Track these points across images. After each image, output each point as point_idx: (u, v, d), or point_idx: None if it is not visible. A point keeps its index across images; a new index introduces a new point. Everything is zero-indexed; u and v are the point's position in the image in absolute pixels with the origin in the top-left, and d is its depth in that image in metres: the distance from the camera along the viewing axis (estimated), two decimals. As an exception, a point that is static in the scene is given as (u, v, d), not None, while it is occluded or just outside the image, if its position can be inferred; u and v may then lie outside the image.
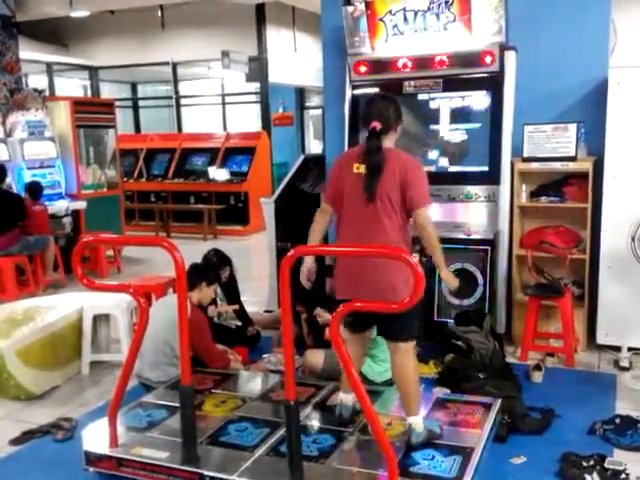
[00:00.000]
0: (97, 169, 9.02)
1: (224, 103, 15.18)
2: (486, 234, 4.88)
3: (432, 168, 5.03)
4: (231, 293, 5.24)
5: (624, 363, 4.50)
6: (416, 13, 4.98)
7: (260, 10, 13.00)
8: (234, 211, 11.45)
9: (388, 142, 3.12)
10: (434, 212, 4.98)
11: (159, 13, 13.38)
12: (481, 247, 4.84)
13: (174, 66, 14.45)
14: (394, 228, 3.05)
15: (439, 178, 4.95)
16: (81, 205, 8.35)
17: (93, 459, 3.06)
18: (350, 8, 5.14)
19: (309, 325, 4.77)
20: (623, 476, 3.00)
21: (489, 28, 4.78)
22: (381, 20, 5.10)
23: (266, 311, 5.89)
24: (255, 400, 3.64)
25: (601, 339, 4.74)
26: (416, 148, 5.06)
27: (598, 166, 4.69)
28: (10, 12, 9.74)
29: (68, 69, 15.08)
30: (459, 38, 4.89)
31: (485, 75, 4.89)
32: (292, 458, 2.65)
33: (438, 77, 5.03)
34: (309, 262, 3.28)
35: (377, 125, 3.04)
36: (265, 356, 4.73)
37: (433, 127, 5.14)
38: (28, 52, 11.76)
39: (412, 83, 5.12)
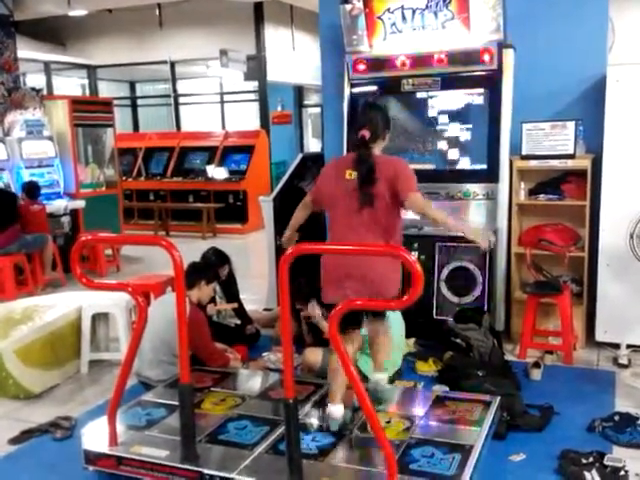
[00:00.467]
0: (95, 168, 9.00)
1: (222, 102, 15.18)
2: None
3: (430, 166, 5.04)
4: (230, 291, 5.24)
5: (623, 360, 4.50)
6: (414, 11, 4.97)
7: (258, 8, 13.00)
8: (233, 210, 11.44)
9: (377, 149, 3.25)
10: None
11: (157, 12, 13.37)
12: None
13: (172, 65, 14.44)
14: (388, 231, 3.18)
15: (437, 176, 4.96)
16: (80, 204, 8.34)
17: (92, 458, 3.05)
18: (348, 6, 5.14)
19: (308, 323, 4.77)
20: (622, 473, 3.00)
21: (487, 26, 4.78)
22: (379, 18, 5.09)
23: (265, 309, 5.90)
24: (254, 398, 3.64)
25: (600, 336, 4.74)
26: (414, 146, 5.06)
27: (596, 164, 4.69)
28: (8, 11, 9.74)
29: (66, 68, 15.07)
30: (457, 36, 4.89)
31: (483, 73, 4.89)
32: (291, 456, 2.64)
33: (436, 75, 5.04)
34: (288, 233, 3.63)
35: (365, 134, 3.17)
36: (264, 354, 4.73)
37: (431, 125, 5.13)
38: (26, 51, 11.75)
39: (410, 81, 5.13)
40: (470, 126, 5.00)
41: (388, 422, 3.20)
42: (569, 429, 3.55)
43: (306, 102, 17.04)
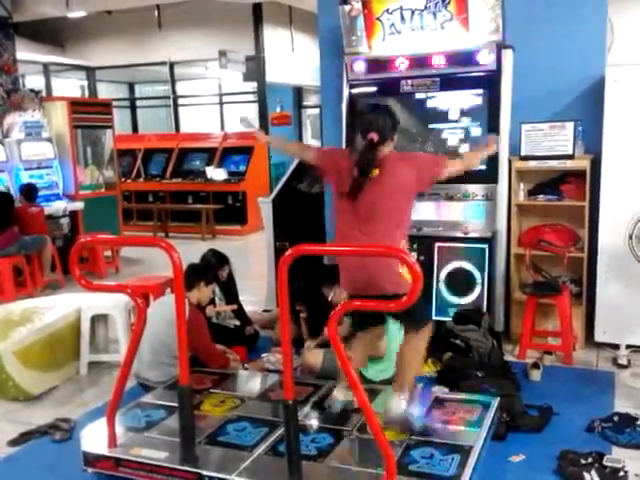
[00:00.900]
0: (95, 169, 9.00)
1: (221, 103, 15.18)
2: (484, 233, 4.87)
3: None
4: (229, 293, 5.24)
5: (622, 361, 4.50)
6: (413, 12, 4.97)
7: (257, 9, 12.99)
8: (232, 211, 11.43)
9: (386, 150, 3.25)
10: (431, 211, 5.02)
11: (156, 13, 13.37)
12: (479, 245, 4.84)
13: (171, 66, 14.44)
14: (399, 228, 3.20)
15: (437, 177, 4.96)
16: (79, 206, 8.34)
17: (92, 460, 3.05)
18: (347, 7, 5.14)
19: (308, 325, 4.77)
20: (622, 473, 3.00)
21: (486, 27, 4.78)
22: (378, 19, 5.09)
23: (264, 310, 5.89)
24: (254, 400, 3.64)
25: (599, 337, 4.74)
26: (413, 147, 5.06)
27: (596, 164, 4.69)
28: (7, 13, 9.75)
29: (65, 69, 15.07)
30: (456, 37, 4.89)
31: (482, 74, 4.89)
32: (291, 457, 2.65)
33: (435, 76, 5.04)
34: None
35: (375, 137, 3.16)
36: (264, 356, 4.72)
37: (430, 126, 5.14)
38: (25, 53, 11.74)
39: (409, 82, 5.13)
40: (469, 127, 5.00)
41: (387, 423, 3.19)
42: (568, 430, 3.55)
43: (305, 103, 17.04)
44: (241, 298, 5.39)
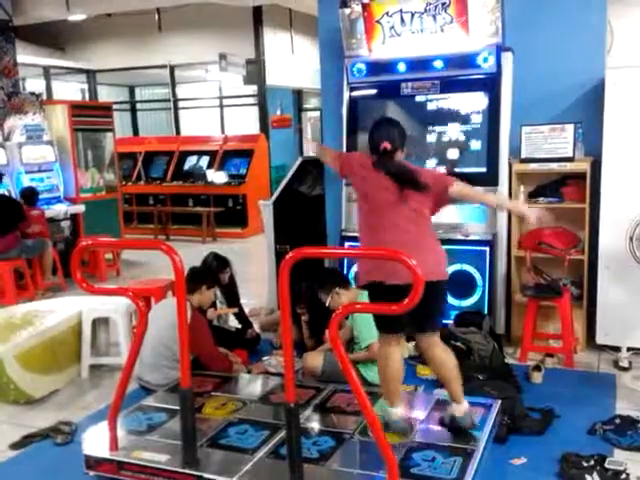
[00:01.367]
0: (95, 172, 9.01)
1: (222, 106, 15.17)
2: (485, 235, 4.88)
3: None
4: (231, 296, 5.24)
5: (624, 363, 4.50)
6: (413, 15, 4.98)
7: (257, 12, 13.00)
8: (233, 214, 11.45)
9: (397, 159, 3.30)
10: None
11: (156, 16, 13.39)
12: (480, 248, 4.85)
13: (172, 69, 14.45)
14: (427, 231, 3.35)
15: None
16: (80, 209, 8.35)
17: (93, 463, 3.05)
18: (347, 10, 5.15)
19: (309, 328, 4.77)
20: (623, 476, 3.00)
21: (486, 29, 4.79)
22: (378, 22, 5.10)
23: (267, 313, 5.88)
24: (255, 402, 3.64)
25: (600, 339, 4.73)
26: (414, 150, 5.06)
27: (596, 166, 4.69)
28: (7, 16, 9.77)
29: (65, 73, 15.08)
30: (456, 40, 4.90)
31: (482, 76, 4.90)
32: (292, 460, 2.64)
33: (435, 79, 5.05)
34: None
35: (388, 145, 3.23)
36: (265, 358, 4.73)
37: (431, 128, 5.15)
38: (25, 56, 11.77)
39: (409, 85, 5.14)
40: (469, 129, 5.01)
41: (389, 426, 3.19)
42: (570, 432, 3.54)
43: (305, 106, 17.05)
44: (242, 301, 5.39)
